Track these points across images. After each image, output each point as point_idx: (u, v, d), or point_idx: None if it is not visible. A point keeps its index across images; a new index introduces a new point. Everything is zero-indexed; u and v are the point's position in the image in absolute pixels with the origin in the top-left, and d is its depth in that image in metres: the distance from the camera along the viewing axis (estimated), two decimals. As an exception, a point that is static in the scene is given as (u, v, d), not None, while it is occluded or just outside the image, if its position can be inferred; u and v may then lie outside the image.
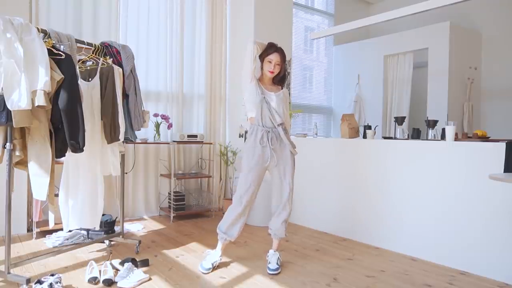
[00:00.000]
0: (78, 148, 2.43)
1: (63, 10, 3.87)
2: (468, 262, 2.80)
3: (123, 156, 3.18)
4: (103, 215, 3.45)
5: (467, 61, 5.39)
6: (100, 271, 2.53)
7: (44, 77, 2.20)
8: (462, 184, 2.85)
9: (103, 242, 3.24)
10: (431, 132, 3.55)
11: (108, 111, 2.81)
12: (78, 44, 2.78)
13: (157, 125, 4.33)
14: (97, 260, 2.81)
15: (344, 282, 2.56)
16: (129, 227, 3.82)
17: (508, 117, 5.32)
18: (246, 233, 3.78)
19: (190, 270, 2.72)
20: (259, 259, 2.99)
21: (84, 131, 2.45)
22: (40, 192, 2.36)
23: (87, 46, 2.88)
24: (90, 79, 2.85)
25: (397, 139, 3.61)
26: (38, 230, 3.39)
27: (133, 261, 2.65)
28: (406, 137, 3.66)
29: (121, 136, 2.87)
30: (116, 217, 3.66)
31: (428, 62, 5.28)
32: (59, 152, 2.42)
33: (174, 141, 4.35)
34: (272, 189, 2.91)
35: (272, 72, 2.78)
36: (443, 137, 3.54)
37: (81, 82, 2.71)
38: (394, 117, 3.80)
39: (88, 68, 2.96)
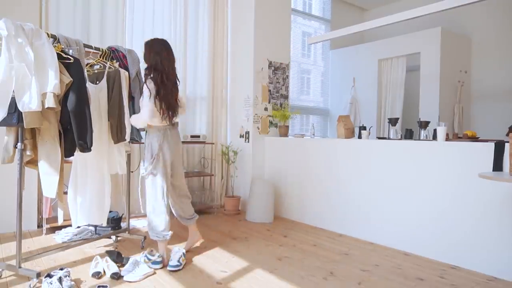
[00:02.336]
0: (86, 148, 2.43)
1: (72, 16, 3.86)
2: (458, 257, 2.80)
3: (129, 156, 3.18)
4: (110, 211, 3.45)
5: (457, 64, 5.38)
6: (107, 265, 2.53)
7: (53, 80, 2.20)
8: (453, 183, 2.85)
9: (110, 238, 3.24)
10: (423, 133, 3.54)
11: (114, 113, 2.81)
12: (86, 49, 2.79)
13: (162, 126, 4.32)
14: (103, 255, 2.81)
15: (340, 276, 2.56)
16: (135, 223, 3.82)
17: (497, 118, 5.32)
18: (246, 229, 3.78)
19: (193, 264, 2.72)
20: (258, 254, 2.99)
21: (92, 131, 2.45)
22: (50, 190, 2.36)
23: (94, 51, 2.88)
24: (97, 82, 2.85)
25: (391, 139, 3.61)
26: (48, 226, 3.39)
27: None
28: (399, 137, 3.65)
29: (127, 136, 2.87)
30: (123, 214, 3.65)
31: (420, 65, 5.27)
32: (68, 151, 2.42)
33: (177, 141, 4.34)
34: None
35: None
36: (434, 137, 3.54)
37: (89, 85, 2.71)
38: (388, 118, 3.80)
39: (96, 71, 2.96)
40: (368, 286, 2.40)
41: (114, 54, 3.03)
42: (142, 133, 3.65)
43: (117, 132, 2.82)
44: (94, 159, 2.81)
